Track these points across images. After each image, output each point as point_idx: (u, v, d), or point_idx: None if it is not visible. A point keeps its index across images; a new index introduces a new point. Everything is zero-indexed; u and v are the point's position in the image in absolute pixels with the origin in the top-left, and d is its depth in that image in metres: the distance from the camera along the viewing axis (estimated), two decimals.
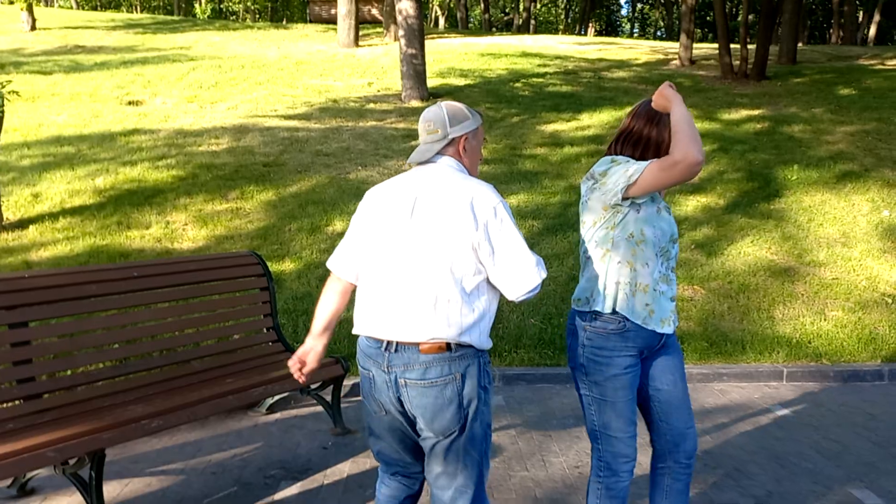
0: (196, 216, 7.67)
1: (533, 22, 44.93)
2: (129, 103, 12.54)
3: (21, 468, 2.94)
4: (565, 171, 9.44)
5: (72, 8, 46.33)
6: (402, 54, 12.87)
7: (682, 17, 19.46)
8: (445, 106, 2.43)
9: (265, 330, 4.62)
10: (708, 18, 43.57)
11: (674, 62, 18.78)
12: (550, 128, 11.52)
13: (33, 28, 21.18)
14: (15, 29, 21.05)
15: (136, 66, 15.84)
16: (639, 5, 55.82)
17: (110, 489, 3.68)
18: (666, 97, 2.48)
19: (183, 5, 49.44)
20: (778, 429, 4.51)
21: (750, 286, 6.63)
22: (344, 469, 3.93)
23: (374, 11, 30.25)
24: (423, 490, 2.62)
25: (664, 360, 2.64)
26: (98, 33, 21.54)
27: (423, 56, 12.96)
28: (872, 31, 34.85)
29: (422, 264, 2.22)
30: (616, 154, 2.58)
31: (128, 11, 48.63)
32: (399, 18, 13.17)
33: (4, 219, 7.33)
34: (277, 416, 4.75)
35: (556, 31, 41.30)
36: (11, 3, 22.09)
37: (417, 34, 12.92)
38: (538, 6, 51.07)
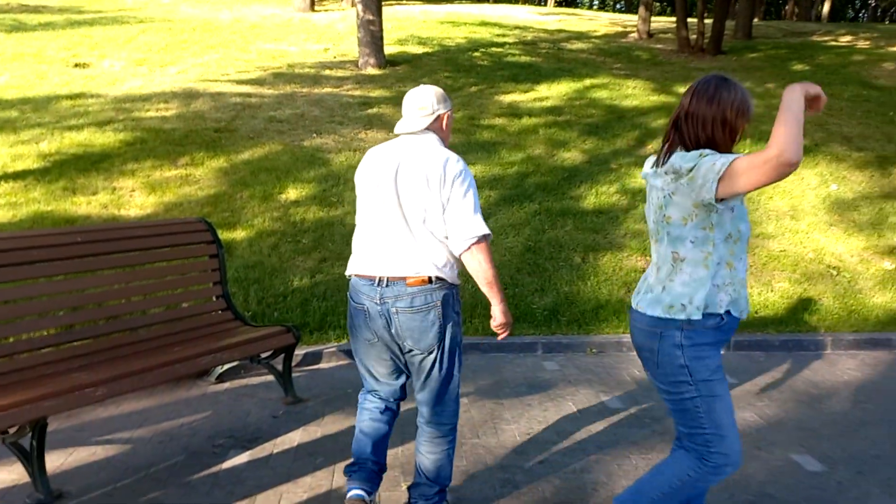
0: (144, 182, 7.47)
1: None
2: (76, 65, 12.10)
3: None
4: (523, 141, 9.42)
5: None
6: (359, 20, 12.64)
7: None
8: (433, 87, 2.87)
9: (214, 298, 4.54)
10: None
11: (632, 35, 18.82)
12: (509, 98, 11.47)
13: None
14: None
15: (84, 28, 15.28)
16: None
17: (53, 459, 3.59)
18: (804, 88, 2.20)
19: None
20: None
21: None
22: (294, 437, 3.90)
23: None
24: (399, 410, 3.12)
25: None
26: None
27: (380, 22, 12.75)
28: (826, 7, 35.41)
29: (405, 216, 2.73)
30: (676, 139, 2.41)
31: None
32: None
33: None
34: (227, 385, 4.68)
35: (516, 1, 41.06)
36: None
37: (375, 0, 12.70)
38: None
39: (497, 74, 13.00)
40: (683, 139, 2.39)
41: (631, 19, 22.94)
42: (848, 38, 19.15)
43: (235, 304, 5.41)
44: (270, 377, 4.76)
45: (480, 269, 2.71)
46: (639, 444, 3.87)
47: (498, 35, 17.51)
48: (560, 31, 19.08)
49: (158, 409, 4.26)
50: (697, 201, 2.28)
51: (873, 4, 42.77)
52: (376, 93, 11.31)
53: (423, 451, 2.98)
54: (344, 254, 6.41)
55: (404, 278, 2.72)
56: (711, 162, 2.22)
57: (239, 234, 6.64)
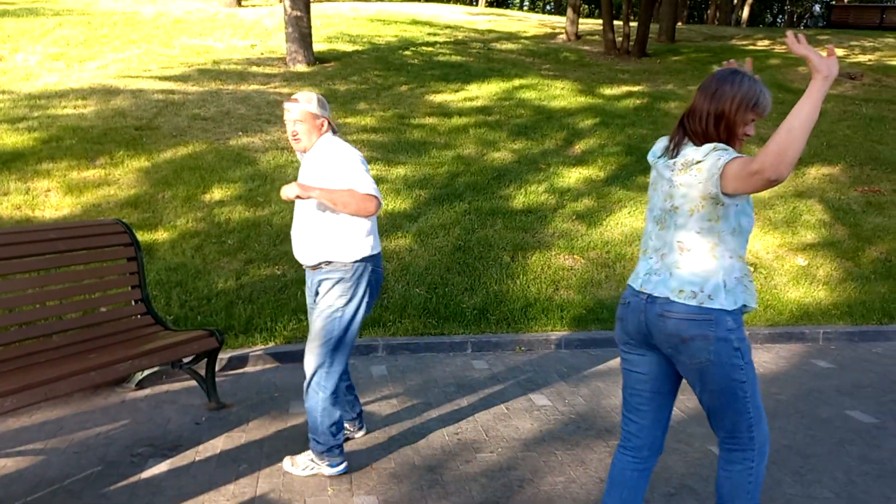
0: (60, 182, 7.17)
1: None
2: None
3: None
4: (453, 141, 9.45)
5: None
6: (287, 16, 12.44)
7: None
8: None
9: (133, 302, 4.39)
10: None
11: (560, 36, 19.12)
12: (439, 98, 11.49)
13: None
14: None
15: None
16: None
17: None
18: (827, 67, 2.13)
19: None
20: None
21: (626, 256, 6.88)
22: (217, 444, 3.81)
23: None
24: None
25: None
26: None
27: (308, 19, 12.58)
28: (746, 13, 36.72)
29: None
30: (682, 133, 2.44)
31: None
32: None
33: None
34: (147, 391, 4.54)
35: (447, 0, 41.18)
36: None
37: None
38: None
39: (427, 74, 13.01)
40: (688, 134, 2.42)
41: (559, 21, 23.31)
42: (765, 42, 19.92)
43: (156, 308, 5.25)
44: (193, 383, 4.63)
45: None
46: (565, 441, 3.92)
47: (429, 34, 17.53)
48: (490, 31, 19.23)
49: (74, 419, 4.09)
50: (705, 193, 2.31)
51: (790, 10, 44.59)
52: (305, 90, 11.14)
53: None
54: (270, 255, 6.30)
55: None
56: (717, 157, 2.26)
57: (161, 236, 6.45)
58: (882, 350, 5.74)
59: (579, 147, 9.70)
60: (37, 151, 7.77)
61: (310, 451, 3.49)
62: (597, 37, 18.80)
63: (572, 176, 8.65)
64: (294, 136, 3.35)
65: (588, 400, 4.53)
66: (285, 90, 11.06)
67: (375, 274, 3.43)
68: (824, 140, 10.38)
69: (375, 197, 3.22)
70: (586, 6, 42.32)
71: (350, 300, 3.35)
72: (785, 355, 5.55)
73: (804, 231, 7.71)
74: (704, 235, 2.37)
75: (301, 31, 12.50)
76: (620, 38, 17.10)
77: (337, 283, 3.33)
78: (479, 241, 6.86)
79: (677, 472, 3.59)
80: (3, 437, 3.85)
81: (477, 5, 36.96)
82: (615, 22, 17.30)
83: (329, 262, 3.33)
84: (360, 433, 3.91)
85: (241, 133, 8.98)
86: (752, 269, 6.87)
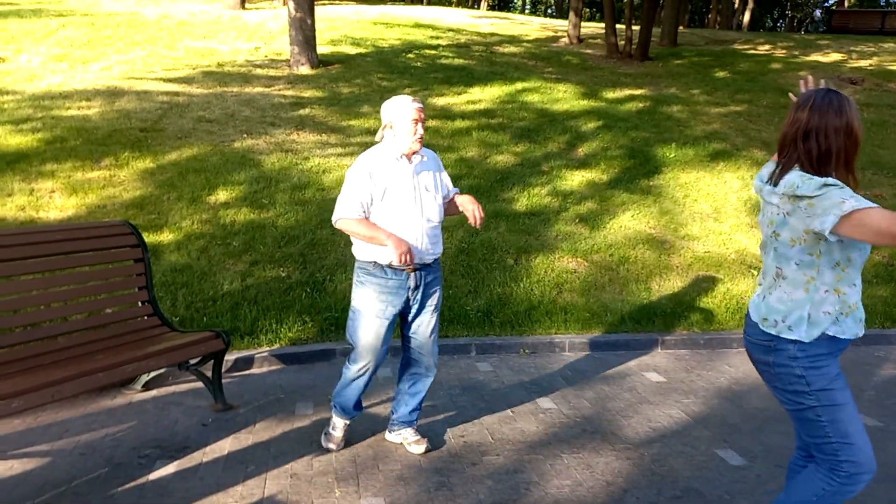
0: (65, 183, 7.19)
1: None
2: None
3: None
4: (456, 144, 9.46)
5: None
6: (291, 18, 12.46)
7: None
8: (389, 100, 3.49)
9: (140, 303, 4.40)
10: None
11: (563, 40, 19.15)
12: (442, 101, 11.51)
13: None
14: None
15: None
16: None
17: None
18: None
19: None
20: (652, 394, 4.73)
21: (629, 259, 6.89)
22: (224, 446, 3.82)
23: None
24: None
25: None
26: None
27: (312, 21, 12.60)
28: (747, 17, 36.78)
29: None
30: (794, 156, 2.37)
31: None
32: None
33: None
34: (154, 393, 4.55)
35: (449, 4, 41.24)
36: None
37: None
38: None
39: (431, 76, 13.03)
40: (799, 156, 2.35)
41: (562, 24, 23.34)
42: (766, 46, 19.94)
43: (162, 310, 5.26)
44: (199, 384, 4.64)
45: (352, 237, 3.46)
46: (570, 444, 3.93)
47: (431, 37, 17.56)
48: (492, 34, 19.26)
49: (80, 420, 4.10)
50: (809, 228, 2.28)
51: (790, 15, 44.66)
52: (309, 93, 11.18)
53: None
54: (275, 256, 6.31)
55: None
56: (840, 198, 2.20)
57: (166, 237, 6.46)
58: (884, 353, 5.74)
59: (582, 150, 9.71)
60: (41, 152, 7.79)
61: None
62: (599, 40, 18.82)
63: (575, 179, 8.66)
64: (421, 138, 3.43)
65: (593, 403, 4.53)
66: (289, 93, 11.09)
67: None
68: None
69: None
70: (588, 10, 42.38)
71: None
72: None
73: None
74: (802, 268, 2.37)
75: (305, 33, 12.53)
76: (623, 42, 17.12)
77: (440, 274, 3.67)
78: (483, 244, 6.87)
79: (683, 474, 3.60)
80: (9, 438, 3.86)
81: (479, 8, 37.01)
82: (617, 25, 17.32)
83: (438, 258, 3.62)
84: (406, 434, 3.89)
85: (245, 135, 9.00)
86: (756, 271, 6.88)
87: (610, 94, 12.74)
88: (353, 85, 11.96)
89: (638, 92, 13.05)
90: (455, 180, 8.21)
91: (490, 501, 3.28)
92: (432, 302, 3.61)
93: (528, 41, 18.59)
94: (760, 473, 3.63)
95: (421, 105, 3.46)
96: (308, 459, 3.66)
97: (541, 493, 3.38)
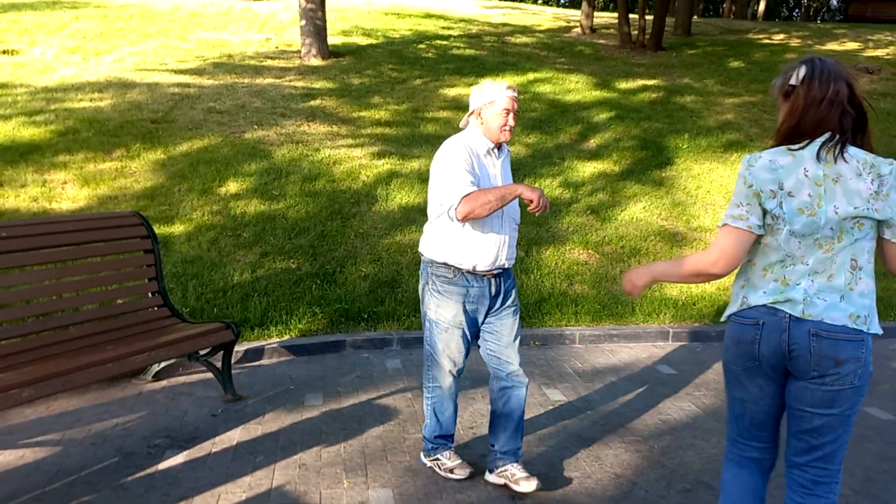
0: (77, 175, 7.22)
1: None
2: (4, 52, 11.60)
3: None
4: None
5: None
6: (302, 9, 12.44)
7: None
8: (479, 84, 3.18)
9: (150, 294, 4.41)
10: None
11: (575, 30, 19.02)
12: (453, 91, 11.47)
13: None
14: None
15: (12, 12, 14.68)
16: None
17: None
18: None
19: None
20: (663, 387, 4.70)
21: (641, 250, 6.85)
22: (234, 436, 3.82)
23: None
24: None
25: None
26: None
27: (323, 12, 12.57)
28: (762, 6, 36.41)
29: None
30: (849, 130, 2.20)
31: None
32: None
33: None
34: (164, 383, 4.56)
35: None
36: None
37: None
38: None
39: (442, 67, 12.98)
40: (851, 130, 2.20)
41: (574, 14, 23.19)
42: (781, 36, 19.73)
43: (173, 301, 5.28)
44: (209, 375, 4.65)
45: (475, 215, 2.96)
46: (580, 436, 3.91)
47: (443, 28, 17.49)
48: (504, 24, 19.16)
49: (91, 410, 4.13)
50: (887, 218, 2.16)
51: (806, 4, 44.20)
52: (319, 84, 11.17)
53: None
54: (285, 248, 6.32)
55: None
56: None
57: (177, 229, 6.48)
58: None
59: (594, 141, 9.65)
60: (53, 144, 7.82)
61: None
62: (612, 30, 18.68)
63: (587, 170, 8.61)
64: (511, 129, 3.15)
65: (603, 395, 4.51)
66: (300, 84, 11.08)
67: None
68: None
69: None
70: (600, 0, 42.08)
71: None
72: None
73: None
74: (871, 255, 2.23)
75: (315, 24, 12.50)
76: (636, 32, 16.99)
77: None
78: None
79: (694, 467, 3.57)
80: (21, 427, 3.88)
81: None
82: (631, 15, 17.19)
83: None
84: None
85: (256, 126, 9.01)
86: None
87: (622, 85, 12.65)
88: (364, 76, 11.94)
89: (651, 82, 12.95)
90: None
91: (498, 493, 3.27)
92: (511, 305, 3.32)
93: (540, 31, 18.49)
94: None
95: (516, 93, 3.13)
96: (317, 450, 3.66)
97: (549, 484, 3.36)
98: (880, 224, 2.19)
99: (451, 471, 3.38)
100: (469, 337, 3.26)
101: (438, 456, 3.42)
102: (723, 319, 2.39)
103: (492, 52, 14.83)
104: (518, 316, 3.36)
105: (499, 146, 3.19)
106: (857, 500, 3.28)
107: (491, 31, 17.82)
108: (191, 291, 5.56)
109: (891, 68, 14.83)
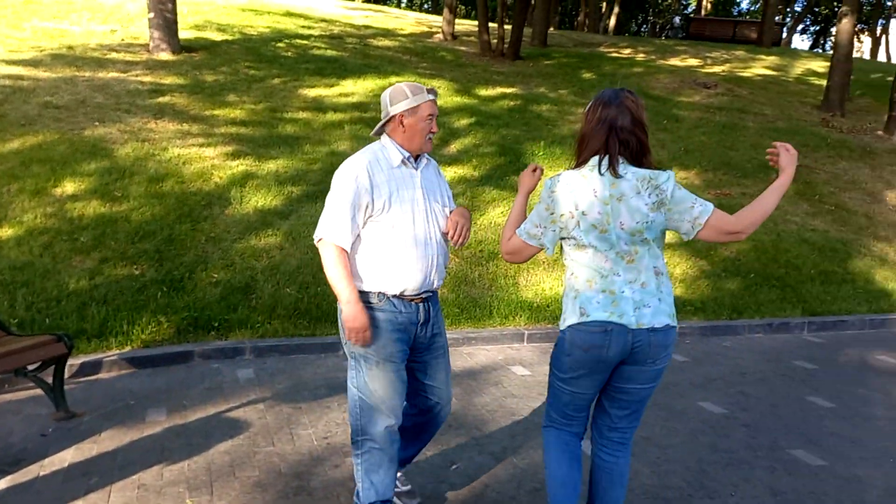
0: None
1: None
2: None
3: None
4: (328, 137, 9.29)
5: None
6: (150, 1, 11.79)
7: None
8: (392, 87, 2.81)
9: None
10: None
11: (437, 36, 19.25)
12: (313, 92, 11.27)
13: None
14: None
15: None
16: None
17: None
18: (789, 162, 2.49)
19: None
20: (517, 388, 4.80)
21: (499, 254, 7.00)
22: (66, 457, 3.53)
23: None
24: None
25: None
26: None
27: (174, 4, 11.97)
28: (613, 21, 38.39)
29: None
30: (621, 148, 2.47)
31: None
32: None
33: None
34: None
35: None
36: None
37: None
38: None
39: (301, 67, 12.73)
40: (630, 149, 2.47)
41: (437, 20, 23.47)
42: (629, 50, 20.89)
43: None
44: (40, 391, 4.28)
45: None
46: (435, 440, 3.91)
47: (303, 27, 17.18)
48: (367, 27, 19.09)
49: None
50: (670, 229, 2.51)
51: (652, 21, 47.04)
52: (169, 80, 10.63)
53: None
54: (128, 253, 5.94)
55: None
56: (690, 203, 2.45)
57: (5, 233, 5.93)
58: (730, 344, 6.12)
59: (454, 146, 9.77)
60: None
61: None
62: (473, 38, 19.06)
63: (447, 175, 8.69)
64: (433, 133, 2.83)
65: (459, 399, 4.55)
66: (147, 79, 10.49)
67: None
68: (682, 146, 11.00)
69: None
70: (463, 7, 42.91)
71: None
72: None
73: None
74: (662, 259, 2.56)
75: (165, 17, 11.89)
76: (495, 41, 17.41)
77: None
78: None
79: (543, 467, 3.66)
80: None
81: (354, 0, 36.63)
82: (490, 24, 17.61)
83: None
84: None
85: (97, 123, 8.43)
86: None
87: (483, 92, 12.91)
88: (218, 73, 11.49)
89: (509, 90, 13.31)
90: (326, 174, 8.06)
91: None
92: (443, 338, 3.00)
93: (402, 35, 18.56)
94: None
95: (436, 96, 2.85)
96: (158, 469, 3.45)
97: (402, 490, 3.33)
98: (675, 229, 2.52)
99: None
100: (404, 374, 2.85)
101: None
102: (563, 328, 2.55)
103: (353, 54, 14.72)
104: (446, 348, 3.05)
105: (416, 156, 2.85)
106: (691, 490, 3.48)
107: (353, 32, 17.69)
108: (20, 301, 5.11)
109: (725, 84, 16.04)
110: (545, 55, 18.28)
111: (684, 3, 47.87)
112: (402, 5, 53.16)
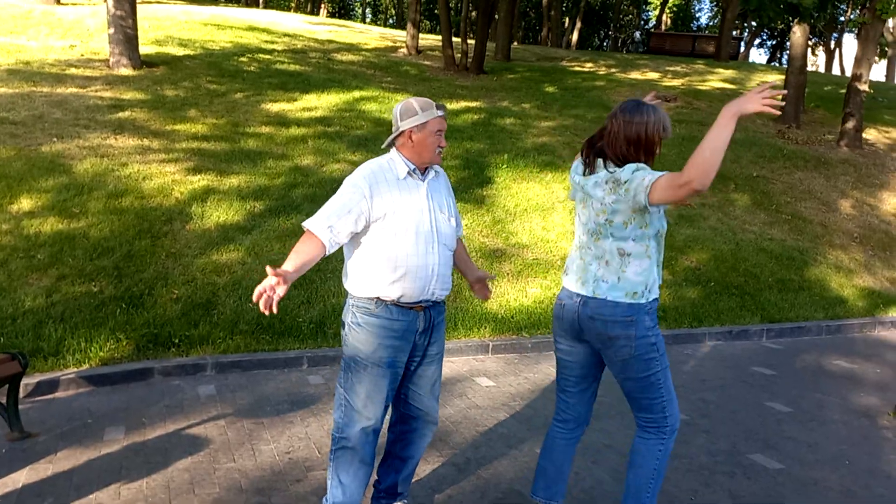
0: None
1: None
2: None
3: None
4: (291, 151, 9.25)
5: None
6: (111, 16, 11.66)
7: (409, 6, 20.07)
8: (404, 102, 2.89)
9: None
10: (435, 11, 45.53)
11: (402, 50, 19.32)
12: (276, 107, 11.22)
13: None
14: None
15: None
16: None
17: None
18: (741, 109, 2.43)
19: None
20: (481, 399, 4.81)
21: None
22: (19, 478, 3.45)
23: None
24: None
25: None
26: None
27: (134, 20, 11.86)
28: (575, 36, 38.89)
29: None
30: (597, 155, 2.80)
31: None
32: None
33: None
34: None
35: (287, 8, 40.46)
36: None
37: None
38: None
39: (264, 82, 12.68)
40: (607, 156, 2.76)
41: (401, 35, 23.55)
42: (591, 65, 21.18)
43: None
44: None
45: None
46: None
47: (266, 41, 17.12)
48: (330, 41, 19.09)
49: None
50: (635, 207, 2.65)
51: (614, 35, 47.72)
52: (129, 95, 10.51)
53: None
54: (86, 270, 5.84)
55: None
56: (642, 177, 2.58)
57: None
58: (691, 351, 6.21)
59: None
60: None
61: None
62: (437, 52, 19.17)
63: None
64: (442, 148, 2.93)
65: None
66: (107, 94, 10.36)
67: None
68: None
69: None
70: (427, 22, 43.15)
71: None
72: None
73: None
74: (639, 240, 2.73)
75: (126, 32, 11.77)
76: (459, 55, 17.54)
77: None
78: None
79: (507, 476, 3.67)
80: None
81: (318, 15, 36.64)
82: (454, 39, 17.73)
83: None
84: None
85: (55, 139, 8.30)
86: None
87: (447, 106, 12.93)
88: (180, 87, 11.39)
89: (473, 104, 13.40)
90: (289, 189, 8.02)
91: None
92: (438, 347, 3.03)
93: (366, 50, 18.60)
94: (578, 470, 3.77)
95: (445, 112, 2.93)
96: (115, 488, 3.39)
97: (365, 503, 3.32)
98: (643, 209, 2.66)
99: None
100: (393, 380, 2.90)
101: None
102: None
103: (317, 69, 14.70)
104: (441, 361, 3.08)
105: (424, 168, 2.94)
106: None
107: (316, 47, 17.68)
108: None
109: (685, 97, 16.34)
110: (509, 69, 18.45)
111: (645, 18, 48.75)
112: (367, 21, 53.32)
